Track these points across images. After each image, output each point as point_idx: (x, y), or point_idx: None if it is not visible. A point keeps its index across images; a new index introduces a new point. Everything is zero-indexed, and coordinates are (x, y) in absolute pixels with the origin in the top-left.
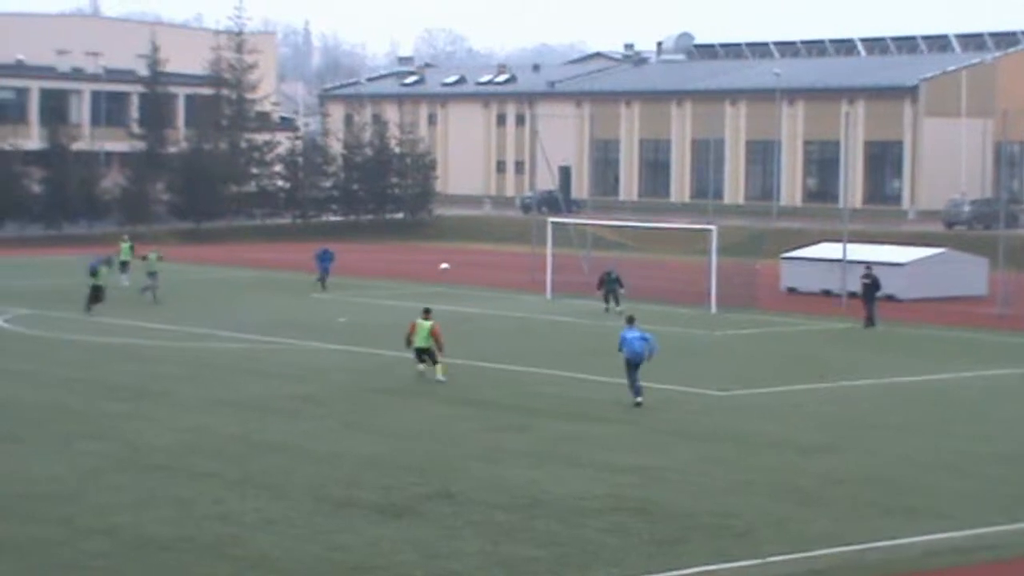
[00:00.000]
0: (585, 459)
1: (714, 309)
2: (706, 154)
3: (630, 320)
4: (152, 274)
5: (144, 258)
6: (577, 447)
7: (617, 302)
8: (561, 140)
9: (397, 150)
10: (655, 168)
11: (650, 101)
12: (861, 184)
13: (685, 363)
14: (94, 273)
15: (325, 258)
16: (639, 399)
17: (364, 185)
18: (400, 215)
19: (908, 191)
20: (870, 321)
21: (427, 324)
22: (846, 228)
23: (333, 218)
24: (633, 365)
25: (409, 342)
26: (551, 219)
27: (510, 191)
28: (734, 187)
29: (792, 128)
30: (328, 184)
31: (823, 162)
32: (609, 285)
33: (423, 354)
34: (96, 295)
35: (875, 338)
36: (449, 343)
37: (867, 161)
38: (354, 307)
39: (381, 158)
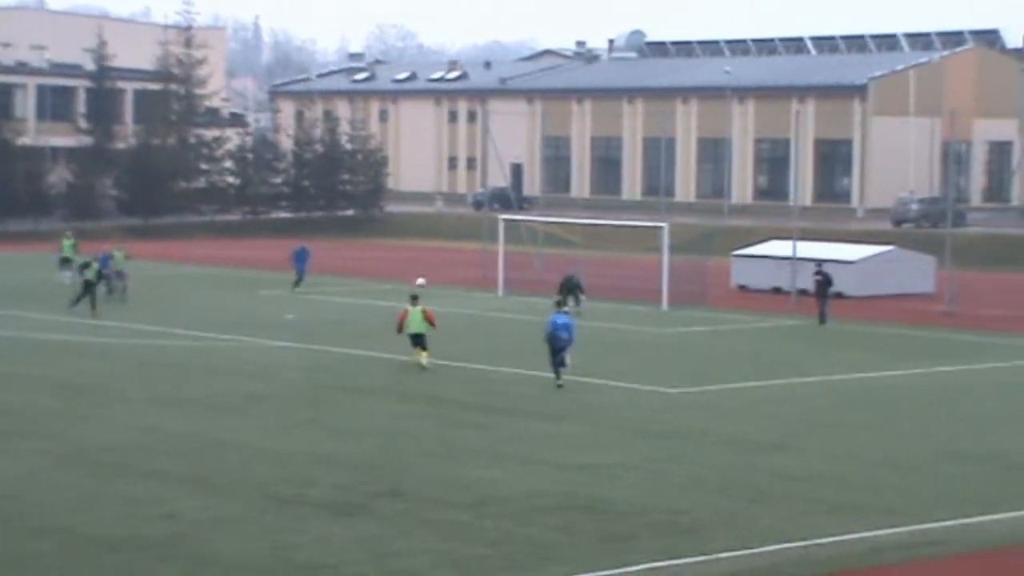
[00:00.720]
0: (538, 457)
1: (666, 306)
2: (657, 152)
3: (559, 304)
4: (120, 273)
5: (110, 256)
6: (531, 445)
7: (577, 303)
8: (513, 137)
9: (348, 147)
10: (606, 165)
11: (601, 99)
12: (811, 182)
13: (638, 361)
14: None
15: (302, 258)
16: (560, 382)
17: (315, 182)
18: (351, 212)
19: (857, 189)
20: (822, 318)
21: (417, 309)
22: (796, 226)
23: (283, 214)
24: (557, 350)
25: (400, 330)
26: (503, 216)
27: (462, 188)
28: (685, 185)
29: (743, 126)
30: (278, 180)
31: (774, 160)
32: (569, 290)
33: (418, 341)
34: (87, 291)
35: (826, 335)
36: (403, 341)
37: (817, 159)
38: (304, 304)
39: (332, 155)
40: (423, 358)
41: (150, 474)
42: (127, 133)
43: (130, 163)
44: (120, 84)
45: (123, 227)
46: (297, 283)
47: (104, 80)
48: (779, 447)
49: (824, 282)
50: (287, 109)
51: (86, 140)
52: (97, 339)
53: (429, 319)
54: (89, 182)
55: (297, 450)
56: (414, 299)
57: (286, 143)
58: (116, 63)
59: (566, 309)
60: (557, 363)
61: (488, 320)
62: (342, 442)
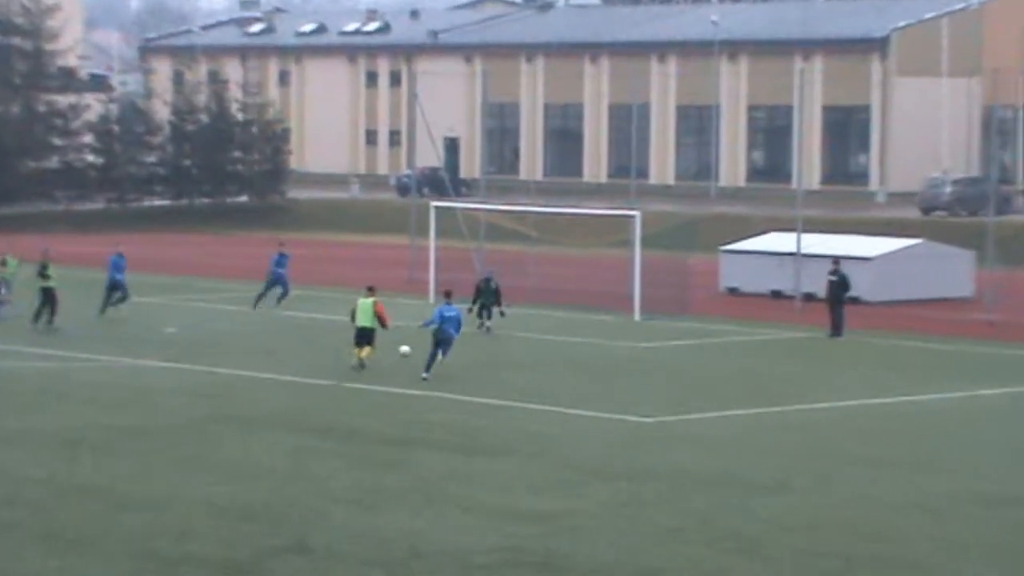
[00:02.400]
0: (477, 502)
1: (638, 315)
2: (627, 123)
3: (447, 295)
4: (7, 282)
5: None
6: (467, 487)
7: (489, 316)
8: (447, 105)
9: (240, 117)
10: (564, 140)
11: (558, 56)
12: (819, 159)
13: (603, 383)
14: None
15: (281, 264)
16: (426, 375)
17: (198, 161)
18: (244, 198)
19: (876, 168)
20: (836, 329)
21: (368, 302)
22: (800, 214)
23: (159, 202)
24: (441, 342)
25: (354, 319)
26: (434, 203)
27: (383, 168)
28: (662, 164)
29: (734, 90)
30: (152, 159)
31: (772, 132)
32: (486, 298)
33: (364, 336)
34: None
35: (839, 350)
36: (309, 359)
37: (826, 131)
38: (186, 313)
39: (220, 127)
40: (364, 353)
41: None
42: None
43: None
44: None
45: None
46: (280, 298)
47: None
48: (779, 488)
49: (839, 284)
50: (162, 70)
51: None
52: None
53: (379, 315)
54: None
55: (176, 496)
56: (370, 290)
57: (162, 112)
58: None
59: (486, 324)
60: (432, 355)
61: (416, 333)
62: (233, 485)
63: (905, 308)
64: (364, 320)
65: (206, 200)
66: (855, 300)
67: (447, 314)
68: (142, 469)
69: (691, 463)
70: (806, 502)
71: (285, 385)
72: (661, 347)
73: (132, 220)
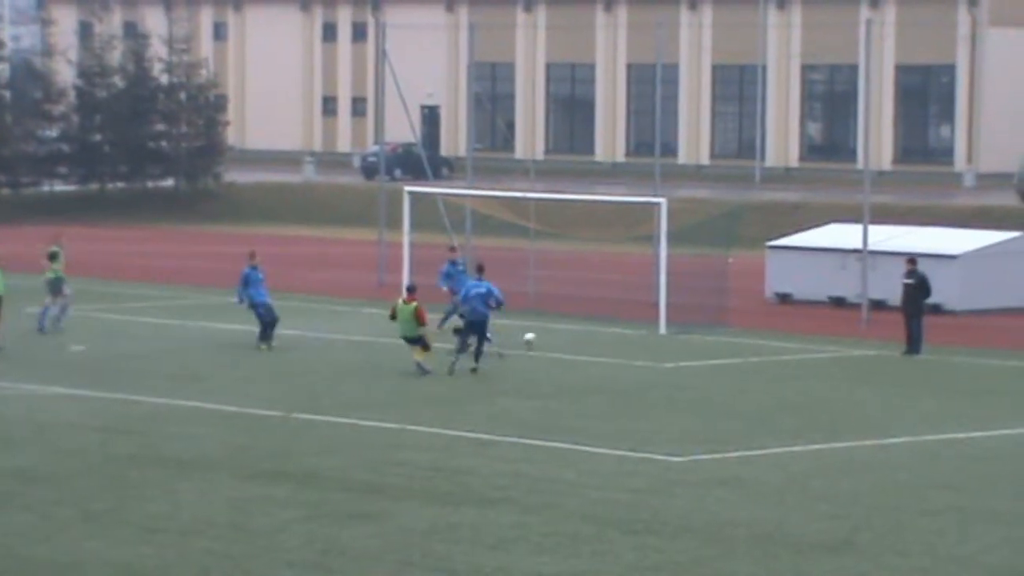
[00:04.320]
0: (468, 565)
1: (664, 328)
2: (650, 87)
3: (480, 270)
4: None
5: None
6: (453, 545)
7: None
8: (424, 66)
9: (164, 80)
10: (571, 109)
11: (563, 5)
12: (891, 132)
13: (621, 413)
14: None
15: (254, 282)
16: (476, 365)
17: (112, 136)
18: (170, 183)
19: (963, 143)
20: (914, 344)
21: (409, 308)
22: (868, 201)
23: (62, 187)
24: (476, 325)
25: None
26: (409, 188)
27: (344, 145)
28: (693, 139)
29: (783, 45)
30: (53, 134)
31: (833, 98)
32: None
33: (413, 343)
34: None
35: (917, 371)
36: (251, 380)
37: (900, 97)
38: (97, 328)
39: (138, 93)
40: (422, 356)
41: None
42: None
43: None
44: None
45: None
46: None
47: None
48: (842, 546)
49: (917, 289)
50: (66, 21)
51: None
52: None
53: (420, 317)
54: None
55: (86, 558)
56: (410, 292)
57: (65, 74)
58: None
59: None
60: (466, 343)
61: (386, 350)
62: (159, 545)
63: (999, 319)
64: (406, 331)
65: (121, 185)
66: (937, 309)
67: (476, 290)
68: (43, 525)
69: (731, 514)
70: (878, 564)
71: (223, 417)
72: (694, 368)
73: (28, 209)
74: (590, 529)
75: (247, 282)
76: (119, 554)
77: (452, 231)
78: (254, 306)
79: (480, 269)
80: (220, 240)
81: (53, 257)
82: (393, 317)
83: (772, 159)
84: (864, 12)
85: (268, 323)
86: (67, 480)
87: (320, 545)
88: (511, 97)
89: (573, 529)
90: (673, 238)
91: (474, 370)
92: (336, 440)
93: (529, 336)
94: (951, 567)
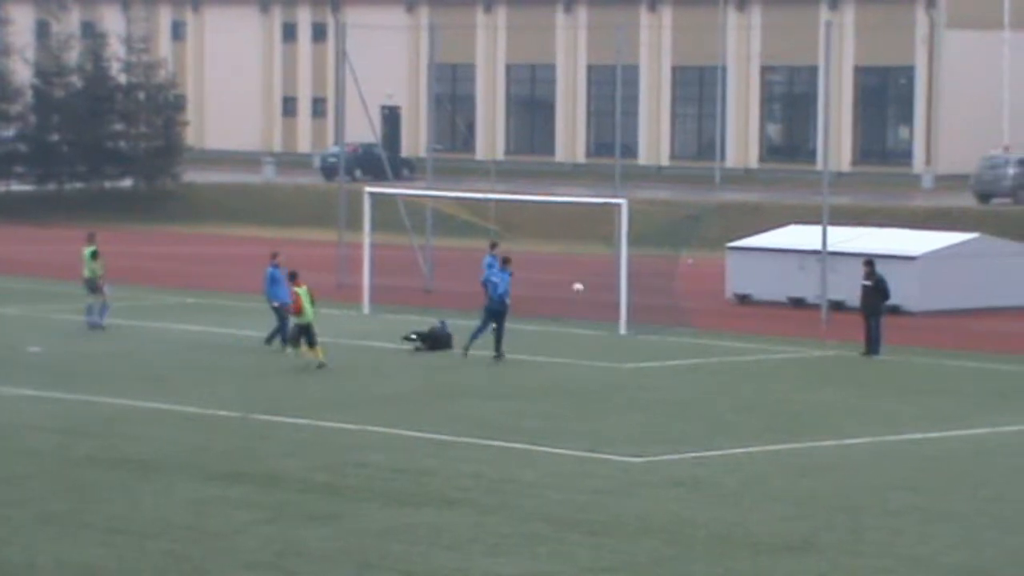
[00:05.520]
0: (425, 567)
1: (624, 329)
2: (611, 88)
3: (506, 262)
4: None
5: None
6: (412, 547)
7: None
8: (385, 66)
9: (123, 79)
10: (531, 110)
11: (524, 6)
12: (850, 133)
13: (581, 413)
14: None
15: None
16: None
17: (69, 135)
18: (128, 183)
19: (921, 145)
20: (872, 345)
21: (304, 289)
22: (828, 202)
23: (18, 187)
24: (498, 314)
25: (298, 311)
26: (369, 189)
27: (304, 146)
28: (654, 140)
29: (743, 46)
30: (9, 134)
31: (791, 100)
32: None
33: (305, 331)
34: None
35: (876, 372)
36: (211, 382)
37: (859, 98)
38: (54, 328)
39: (96, 93)
40: (320, 354)
41: None
42: None
43: None
44: None
45: None
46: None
47: None
48: (802, 547)
49: (875, 290)
50: (22, 19)
51: None
52: None
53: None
54: None
55: (44, 562)
56: (293, 277)
57: (22, 74)
58: None
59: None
60: (483, 328)
61: (345, 352)
62: (117, 547)
63: (957, 319)
64: (310, 314)
65: (79, 185)
66: (895, 310)
67: (496, 277)
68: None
69: (691, 514)
70: (837, 565)
71: (182, 419)
72: (653, 368)
73: None
74: (548, 530)
75: (273, 281)
76: (77, 556)
77: (413, 231)
78: (277, 307)
79: (507, 261)
80: (179, 240)
81: (94, 256)
82: (299, 309)
83: (732, 160)
84: (823, 13)
85: (285, 324)
86: (24, 481)
87: (279, 546)
88: (471, 98)
89: (532, 530)
90: (633, 239)
91: (498, 356)
92: (295, 442)
93: (578, 286)
94: (911, 567)
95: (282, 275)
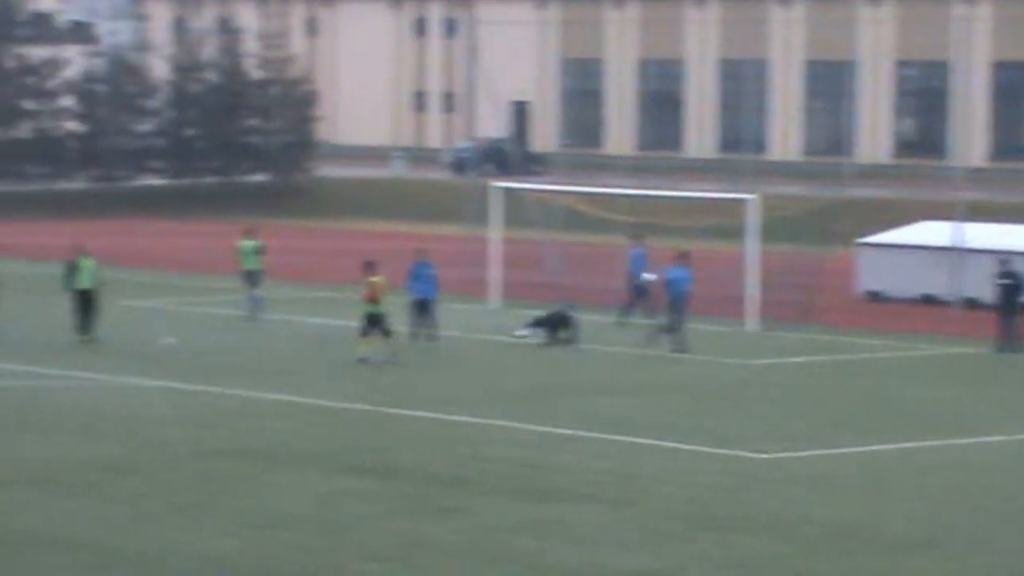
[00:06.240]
0: (553, 560)
1: (754, 325)
2: (742, 83)
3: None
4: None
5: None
6: (539, 541)
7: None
8: (514, 61)
9: (257, 75)
10: (661, 105)
11: (653, 0)
12: (986, 129)
13: (709, 410)
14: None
15: (420, 276)
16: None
17: (205, 130)
18: (262, 177)
19: None
20: (1008, 342)
21: (376, 280)
22: (962, 198)
23: (155, 181)
24: (677, 310)
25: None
26: (497, 184)
27: (434, 140)
28: (785, 135)
29: (876, 40)
30: (147, 128)
31: (926, 95)
32: (555, 328)
33: (375, 321)
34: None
35: (1011, 370)
36: (338, 375)
37: (996, 93)
38: (188, 321)
39: (231, 88)
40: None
41: None
42: None
43: None
44: None
45: None
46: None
47: None
48: (930, 545)
49: (1012, 287)
50: (160, 16)
51: None
52: None
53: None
54: None
55: (175, 551)
56: (368, 266)
57: (159, 69)
58: None
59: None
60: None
61: (475, 346)
62: (245, 537)
63: None
64: (372, 305)
65: (214, 179)
66: None
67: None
68: (131, 517)
69: (817, 511)
70: (964, 563)
71: (310, 411)
72: (782, 365)
73: (121, 203)
74: (675, 526)
75: (415, 277)
76: (208, 547)
77: (541, 227)
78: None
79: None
80: (312, 235)
81: (257, 250)
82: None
83: (864, 156)
84: (958, 8)
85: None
86: (156, 473)
87: (405, 540)
88: (601, 93)
89: (658, 526)
90: (764, 234)
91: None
92: (421, 435)
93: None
94: None
95: (427, 272)
